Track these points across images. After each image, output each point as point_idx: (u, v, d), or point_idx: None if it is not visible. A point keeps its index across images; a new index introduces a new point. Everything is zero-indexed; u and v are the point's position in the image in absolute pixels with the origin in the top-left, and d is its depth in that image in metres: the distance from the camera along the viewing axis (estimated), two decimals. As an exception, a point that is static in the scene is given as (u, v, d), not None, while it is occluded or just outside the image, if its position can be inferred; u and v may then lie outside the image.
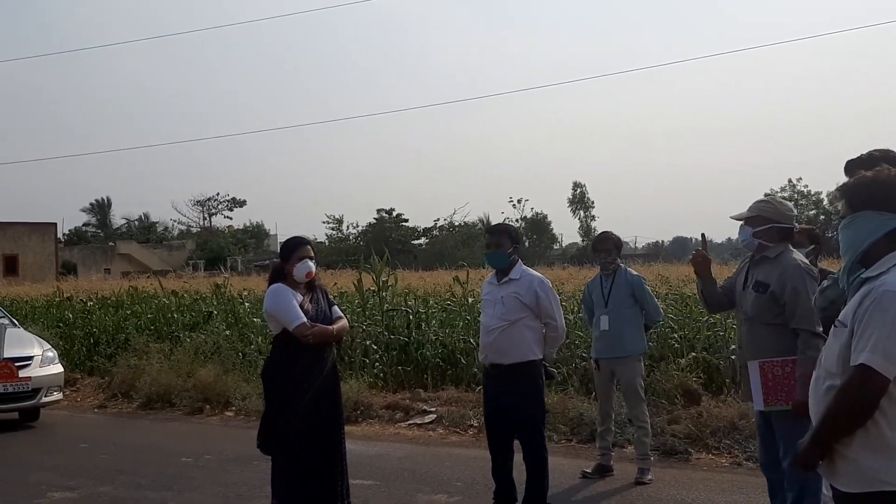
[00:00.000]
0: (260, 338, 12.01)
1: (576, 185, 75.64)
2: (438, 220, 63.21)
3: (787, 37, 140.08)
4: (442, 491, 6.47)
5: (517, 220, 67.51)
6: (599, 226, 74.69)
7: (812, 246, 5.63)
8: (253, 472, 7.26)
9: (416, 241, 63.66)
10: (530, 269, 5.71)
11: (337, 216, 64.04)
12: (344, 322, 5.35)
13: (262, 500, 6.36)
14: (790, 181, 67.43)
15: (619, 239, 6.97)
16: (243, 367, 11.27)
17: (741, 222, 4.60)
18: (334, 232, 64.09)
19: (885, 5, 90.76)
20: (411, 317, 11.66)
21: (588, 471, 6.79)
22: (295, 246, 5.27)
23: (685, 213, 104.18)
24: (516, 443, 5.63)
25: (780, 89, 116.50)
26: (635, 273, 6.90)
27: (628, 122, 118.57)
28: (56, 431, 9.79)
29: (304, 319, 5.06)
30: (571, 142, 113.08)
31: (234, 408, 10.39)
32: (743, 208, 4.61)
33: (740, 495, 6.15)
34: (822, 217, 60.88)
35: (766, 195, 4.61)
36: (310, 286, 5.31)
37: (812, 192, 67.05)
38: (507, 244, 5.59)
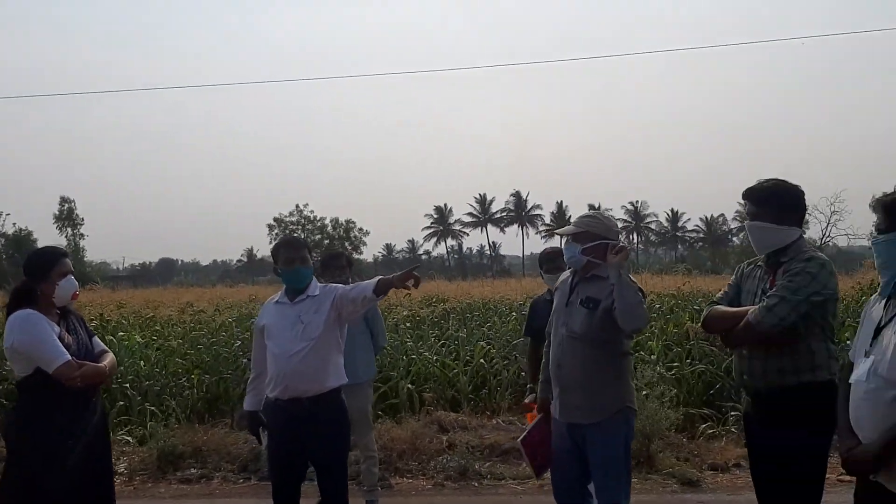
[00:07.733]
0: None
1: (63, 201, 68.82)
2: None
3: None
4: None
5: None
6: (88, 245, 68.72)
7: None
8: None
9: None
10: None
11: None
12: (111, 356, 4.33)
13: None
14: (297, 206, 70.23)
15: (351, 256, 6.77)
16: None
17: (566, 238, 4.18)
18: None
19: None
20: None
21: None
22: (55, 258, 4.17)
23: (171, 234, 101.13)
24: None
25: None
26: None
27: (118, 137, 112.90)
28: None
29: (69, 357, 4.00)
30: (59, 152, 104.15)
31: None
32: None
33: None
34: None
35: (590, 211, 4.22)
36: (63, 312, 4.23)
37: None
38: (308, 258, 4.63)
